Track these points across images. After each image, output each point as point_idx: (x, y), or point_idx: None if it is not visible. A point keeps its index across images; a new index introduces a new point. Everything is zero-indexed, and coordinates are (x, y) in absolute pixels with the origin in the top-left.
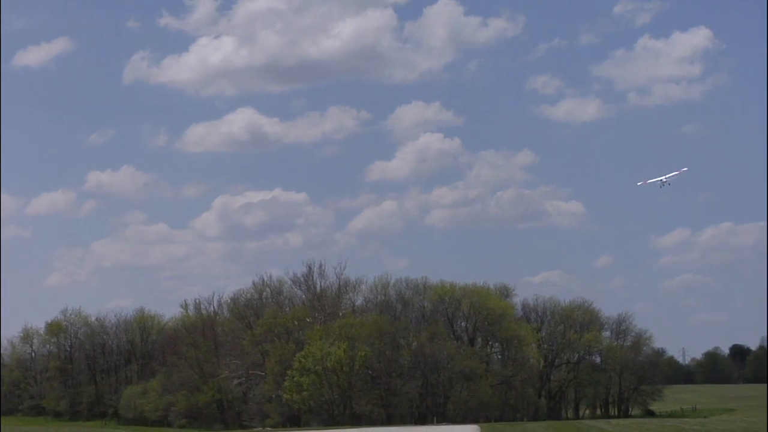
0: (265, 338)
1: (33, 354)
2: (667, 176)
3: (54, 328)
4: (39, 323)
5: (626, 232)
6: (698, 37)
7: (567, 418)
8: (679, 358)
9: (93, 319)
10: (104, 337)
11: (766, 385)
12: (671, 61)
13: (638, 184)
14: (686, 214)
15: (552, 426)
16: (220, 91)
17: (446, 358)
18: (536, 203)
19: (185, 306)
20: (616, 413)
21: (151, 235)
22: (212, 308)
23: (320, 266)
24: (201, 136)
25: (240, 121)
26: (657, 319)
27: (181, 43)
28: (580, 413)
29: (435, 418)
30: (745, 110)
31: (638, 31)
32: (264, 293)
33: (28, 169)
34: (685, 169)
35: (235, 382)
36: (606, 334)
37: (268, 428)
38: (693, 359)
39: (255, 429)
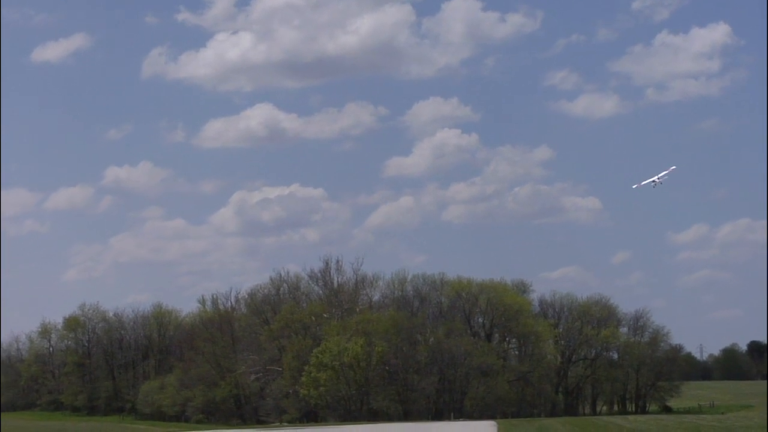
0: (282, 334)
1: (51, 349)
2: (659, 176)
3: (72, 323)
4: (57, 318)
5: (643, 228)
6: (717, 33)
7: (584, 415)
8: (697, 355)
9: (111, 314)
10: (122, 332)
11: None
12: (690, 56)
13: (633, 186)
14: (704, 210)
15: (569, 422)
16: (237, 87)
17: (463, 354)
18: (553, 199)
19: (203, 301)
20: (634, 409)
21: (168, 231)
22: (229, 304)
23: (337, 262)
24: (219, 132)
25: (258, 116)
26: (674, 315)
27: (199, 38)
28: (597, 409)
29: (452, 414)
30: (763, 106)
31: (657, 26)
32: (281, 289)
33: (46, 165)
34: (674, 167)
35: (253, 377)
36: (623, 330)
37: (285, 423)
38: (710, 355)
39: (272, 424)
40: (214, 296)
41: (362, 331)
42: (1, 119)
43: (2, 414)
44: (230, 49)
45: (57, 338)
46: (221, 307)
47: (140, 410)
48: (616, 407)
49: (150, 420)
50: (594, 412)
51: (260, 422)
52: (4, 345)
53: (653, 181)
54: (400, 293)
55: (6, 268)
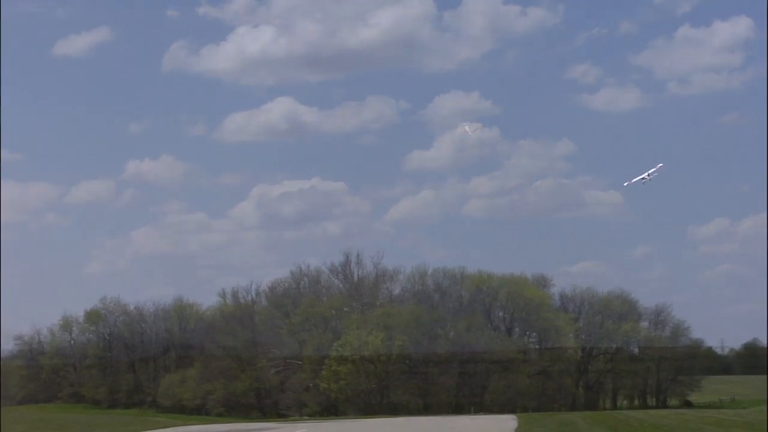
0: (303, 327)
1: (72, 342)
2: (649, 173)
3: (93, 317)
4: (78, 311)
5: (665, 221)
6: (739, 27)
7: (604, 409)
8: (718, 349)
9: (132, 307)
10: (143, 325)
11: None
12: (712, 50)
13: (624, 184)
14: (726, 204)
15: (589, 416)
16: (258, 81)
17: (483, 348)
18: (575, 193)
19: (223, 295)
20: (654, 404)
21: (189, 224)
22: (250, 297)
23: (358, 255)
24: (239, 126)
25: (278, 110)
26: (695, 309)
27: (220, 32)
28: (618, 404)
29: (472, 408)
30: None
31: (678, 19)
32: (301, 282)
33: (67, 158)
34: (661, 164)
35: (273, 370)
36: (644, 324)
37: (306, 417)
38: (731, 350)
39: (292, 417)
40: (235, 290)
41: (382, 324)
42: (19, 113)
43: (24, 407)
44: (251, 42)
45: (78, 331)
46: (242, 300)
47: (161, 403)
48: (636, 402)
49: (171, 413)
50: (614, 407)
51: (280, 416)
52: (25, 338)
53: (643, 178)
54: (420, 287)
55: (28, 262)
